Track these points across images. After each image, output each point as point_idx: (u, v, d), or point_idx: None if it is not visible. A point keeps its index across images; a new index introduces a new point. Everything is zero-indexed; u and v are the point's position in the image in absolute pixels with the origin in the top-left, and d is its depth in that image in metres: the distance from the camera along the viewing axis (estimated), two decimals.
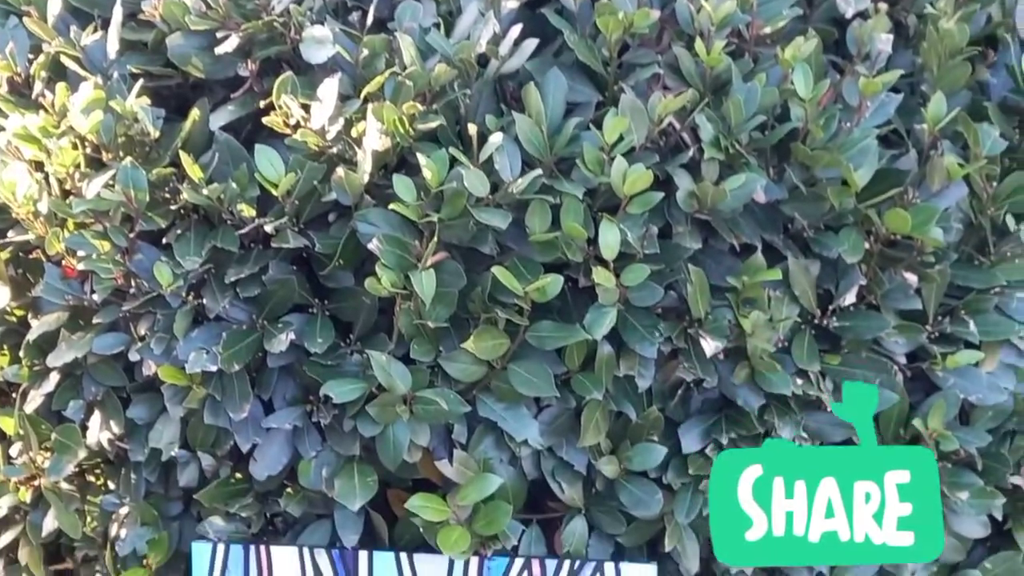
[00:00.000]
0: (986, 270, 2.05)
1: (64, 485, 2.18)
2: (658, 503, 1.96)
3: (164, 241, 1.98)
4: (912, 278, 1.98)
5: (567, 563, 1.98)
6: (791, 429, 1.95)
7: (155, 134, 1.98)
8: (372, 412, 1.89)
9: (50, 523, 2.16)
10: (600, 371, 1.92)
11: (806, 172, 1.93)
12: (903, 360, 2.04)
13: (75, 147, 1.98)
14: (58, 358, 2.05)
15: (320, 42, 1.91)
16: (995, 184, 2.02)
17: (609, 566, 1.98)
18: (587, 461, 1.99)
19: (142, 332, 2.00)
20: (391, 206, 1.82)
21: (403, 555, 2.02)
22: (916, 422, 2.01)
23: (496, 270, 1.80)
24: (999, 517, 2.13)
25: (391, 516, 2.08)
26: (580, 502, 2.01)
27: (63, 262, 2.03)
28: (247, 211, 1.93)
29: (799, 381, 1.95)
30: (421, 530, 1.95)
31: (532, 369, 1.89)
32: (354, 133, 1.89)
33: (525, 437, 1.95)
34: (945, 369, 2.03)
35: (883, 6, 2.00)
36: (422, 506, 1.89)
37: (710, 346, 1.89)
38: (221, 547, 2.05)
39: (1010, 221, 2.03)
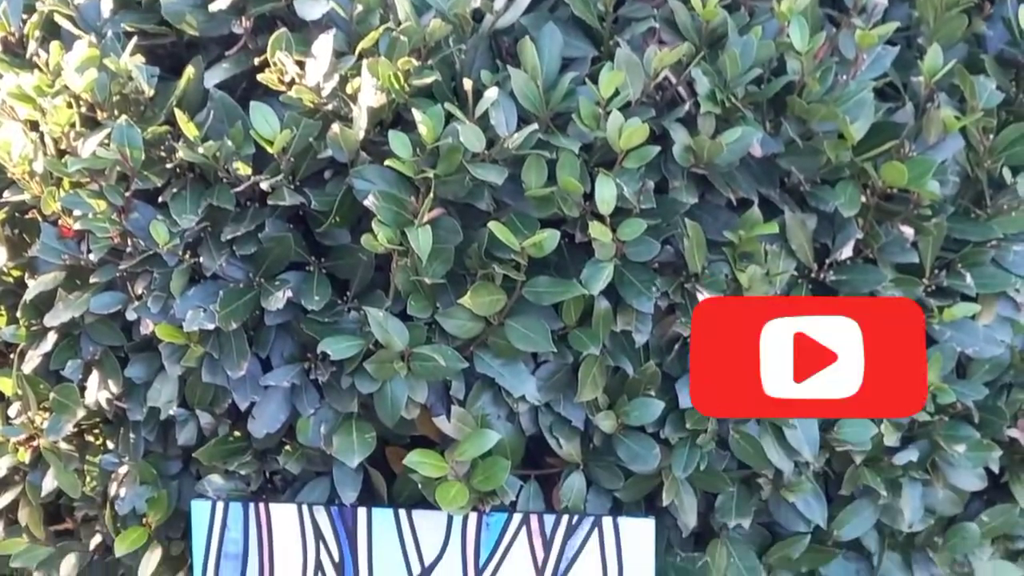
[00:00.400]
0: (983, 223, 2.05)
1: (63, 445, 2.18)
2: (656, 458, 1.96)
3: (160, 200, 1.97)
4: (909, 231, 1.98)
5: (565, 518, 1.99)
6: None
7: (150, 92, 1.98)
8: (370, 369, 1.89)
9: (49, 483, 2.16)
10: (597, 326, 1.92)
11: (802, 125, 1.93)
12: None
13: (70, 106, 1.98)
14: (55, 318, 2.05)
15: None
16: (992, 137, 2.02)
17: (607, 521, 1.98)
18: (584, 416, 1.99)
19: (139, 291, 2.00)
20: (387, 162, 1.81)
21: (402, 512, 2.02)
22: None
23: (492, 225, 1.79)
24: (996, 470, 2.15)
25: (390, 474, 2.08)
26: (578, 457, 2.01)
27: (59, 222, 2.03)
28: (243, 169, 1.92)
29: None
30: (420, 486, 1.96)
31: (529, 325, 1.89)
32: (349, 89, 1.88)
33: (523, 393, 1.95)
34: (942, 322, 2.03)
35: None
36: (420, 462, 1.89)
37: None
38: (220, 505, 2.06)
39: (1007, 174, 2.03)
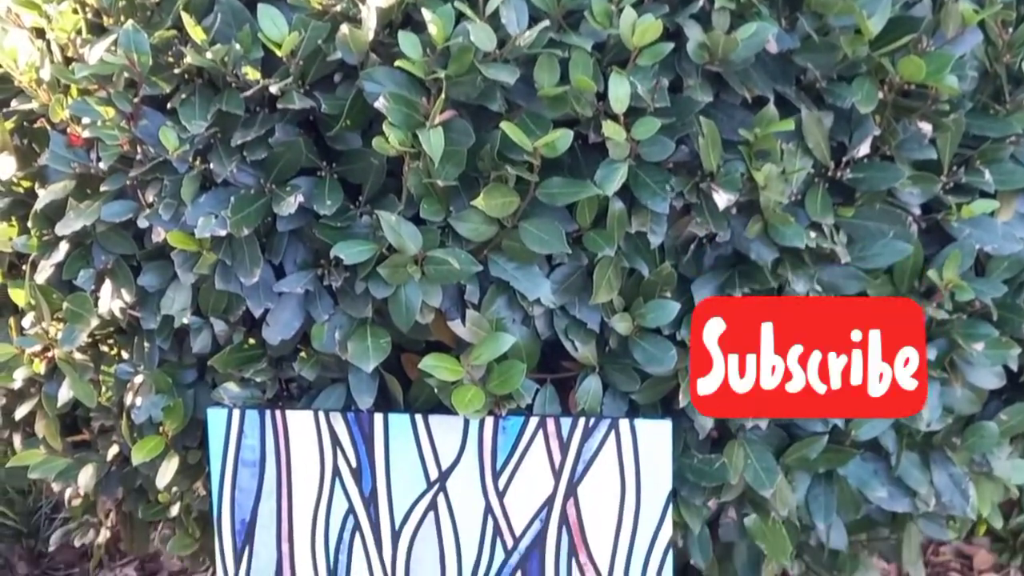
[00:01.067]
0: (1002, 119, 2.02)
1: (78, 355, 2.18)
2: (672, 359, 1.95)
3: (169, 106, 1.96)
4: (927, 127, 1.96)
5: (582, 421, 1.99)
6: (805, 283, 1.93)
7: None
8: (383, 273, 1.88)
9: (65, 393, 2.16)
10: (612, 228, 1.90)
11: (818, 20, 1.90)
12: (918, 211, 2.02)
13: (75, 12, 1.97)
14: (67, 227, 2.03)
15: None
16: (1011, 31, 1.99)
17: (624, 423, 1.98)
18: (600, 319, 1.98)
19: (150, 199, 1.99)
20: (397, 64, 1.79)
21: (418, 416, 2.02)
22: (931, 273, 1.99)
23: (505, 125, 1.77)
24: (1015, 368, 2.13)
25: (405, 380, 2.08)
26: (594, 360, 2.00)
27: (68, 130, 2.02)
28: (251, 73, 1.90)
29: (812, 234, 1.93)
30: (435, 391, 1.95)
31: (543, 226, 1.87)
32: None
33: (537, 296, 1.94)
34: (960, 219, 2.01)
35: None
36: (435, 365, 1.89)
37: (722, 200, 1.87)
38: (236, 413, 2.06)
39: None
